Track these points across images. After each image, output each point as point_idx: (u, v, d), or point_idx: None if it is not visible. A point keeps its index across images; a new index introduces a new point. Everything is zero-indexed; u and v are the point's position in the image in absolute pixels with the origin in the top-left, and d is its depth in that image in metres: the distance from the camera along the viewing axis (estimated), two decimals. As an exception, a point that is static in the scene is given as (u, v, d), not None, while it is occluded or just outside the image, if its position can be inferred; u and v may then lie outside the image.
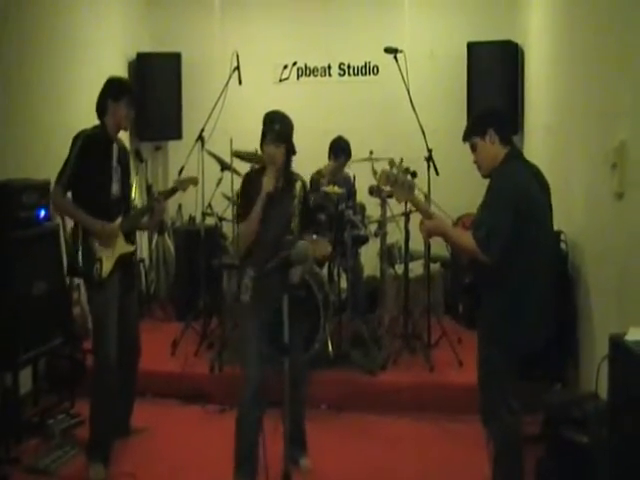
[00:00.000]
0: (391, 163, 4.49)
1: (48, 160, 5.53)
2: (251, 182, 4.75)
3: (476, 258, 4.02)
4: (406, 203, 5.94)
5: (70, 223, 5.17)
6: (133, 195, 6.44)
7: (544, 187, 4.23)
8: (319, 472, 5.09)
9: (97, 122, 5.15)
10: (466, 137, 4.34)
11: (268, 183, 4.65)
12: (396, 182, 4.39)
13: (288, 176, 4.82)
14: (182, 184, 5.41)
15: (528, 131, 7.94)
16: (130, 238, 5.25)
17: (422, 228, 4.34)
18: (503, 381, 4.20)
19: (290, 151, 4.74)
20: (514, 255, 3.98)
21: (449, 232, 4.25)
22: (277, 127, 4.63)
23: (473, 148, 4.30)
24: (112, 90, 5.10)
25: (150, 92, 8.42)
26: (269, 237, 4.66)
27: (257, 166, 5.02)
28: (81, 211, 4.98)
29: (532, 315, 4.08)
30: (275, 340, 4.45)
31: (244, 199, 4.74)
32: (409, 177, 4.49)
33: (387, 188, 4.55)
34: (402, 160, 6.57)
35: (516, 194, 4.03)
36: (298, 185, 4.86)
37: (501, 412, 4.18)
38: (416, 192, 4.50)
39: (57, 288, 5.79)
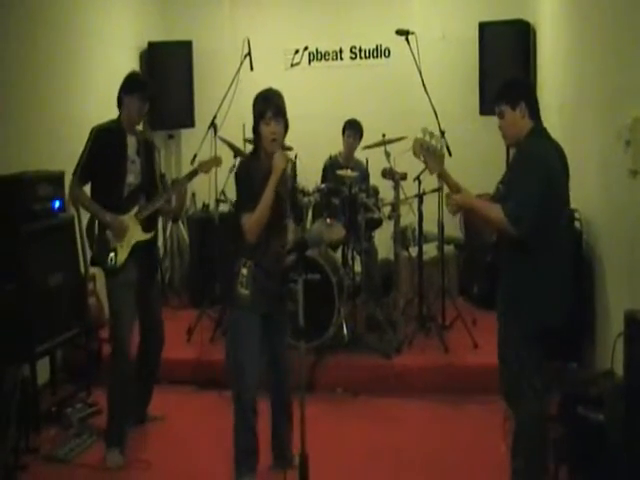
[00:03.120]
0: (424, 131, 4.33)
1: (61, 151, 5.55)
2: (249, 170, 4.45)
3: (504, 231, 4.01)
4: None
5: (87, 214, 5.20)
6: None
7: (564, 165, 4.21)
8: (335, 456, 5.07)
9: (111, 111, 5.20)
10: (496, 103, 4.28)
11: (279, 160, 4.35)
12: (429, 151, 4.24)
13: None
14: (204, 166, 5.32)
15: (541, 109, 7.81)
16: (149, 226, 5.24)
17: (450, 202, 4.22)
18: (525, 358, 4.14)
19: (286, 129, 4.51)
20: (540, 229, 3.98)
21: (478, 205, 4.17)
22: (276, 103, 4.41)
23: (500, 115, 4.25)
24: (126, 84, 5.14)
25: (162, 81, 8.37)
26: (269, 225, 4.41)
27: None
28: (93, 203, 5.07)
29: (554, 290, 4.09)
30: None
31: (248, 188, 4.38)
32: (439, 147, 4.35)
33: (420, 158, 4.38)
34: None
35: (543, 168, 4.02)
36: (289, 166, 4.57)
37: (524, 391, 4.16)
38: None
39: (73, 279, 5.80)
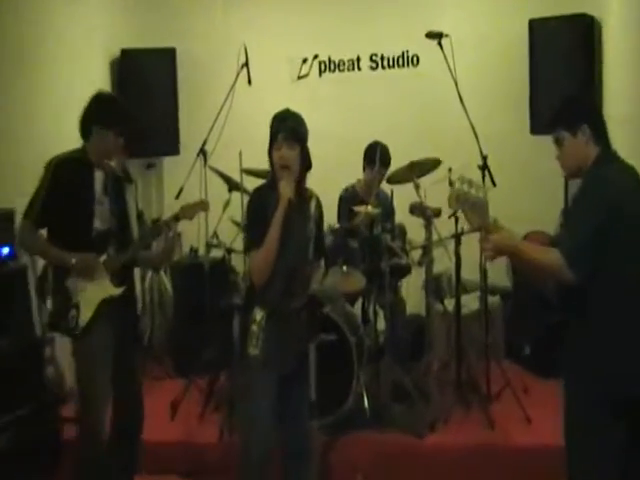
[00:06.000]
0: (461, 180, 4.25)
1: (14, 183, 5.54)
2: (263, 200, 4.67)
3: (560, 278, 3.97)
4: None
5: (42, 263, 5.20)
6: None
7: None
8: None
9: (73, 134, 5.22)
10: (552, 128, 4.31)
11: (286, 188, 4.56)
12: (468, 202, 4.16)
13: (301, 192, 4.76)
14: (187, 211, 5.32)
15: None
16: (122, 278, 5.24)
17: (485, 245, 4.12)
18: (601, 440, 4.05)
19: (305, 159, 4.68)
20: (610, 276, 3.97)
21: (523, 247, 4.11)
22: (290, 124, 4.61)
23: (558, 142, 4.28)
24: (101, 114, 5.15)
25: (139, 97, 8.37)
26: (282, 267, 4.58)
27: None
28: (51, 247, 5.07)
29: (636, 350, 4.02)
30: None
31: (258, 221, 4.62)
32: (481, 195, 4.29)
33: (458, 212, 4.36)
34: (450, 170, 6.59)
35: (613, 203, 3.99)
36: (313, 203, 4.82)
37: None
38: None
39: (25, 343, 5.77)
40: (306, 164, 4.68)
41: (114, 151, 5.22)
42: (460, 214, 6.61)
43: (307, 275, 4.79)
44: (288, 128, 4.57)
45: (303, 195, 4.76)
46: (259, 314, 4.54)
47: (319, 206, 4.87)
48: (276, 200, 4.58)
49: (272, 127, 4.64)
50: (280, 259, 4.56)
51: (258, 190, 4.81)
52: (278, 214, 4.52)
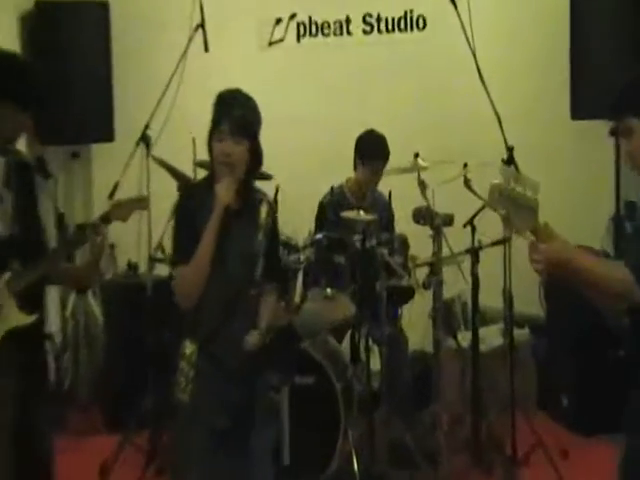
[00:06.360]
0: (504, 172, 4.23)
1: None
2: (196, 202, 4.65)
3: (630, 298, 3.94)
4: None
5: None
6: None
7: None
8: None
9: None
10: (619, 114, 4.25)
11: (222, 190, 4.53)
12: (514, 201, 4.02)
13: (249, 195, 4.75)
14: (120, 209, 5.24)
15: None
16: (31, 303, 5.19)
17: (535, 257, 3.99)
18: None
19: (255, 156, 4.65)
20: None
21: (582, 259, 4.02)
22: (237, 112, 4.55)
23: (627, 132, 4.22)
24: None
25: (59, 65, 8.29)
26: (219, 289, 4.55)
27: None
28: None
29: None
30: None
31: (187, 229, 4.61)
32: (529, 194, 4.20)
33: (501, 212, 4.28)
34: (466, 165, 6.60)
35: None
36: (263, 210, 4.74)
37: None
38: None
39: None
40: (256, 161, 4.66)
41: (16, 131, 5.10)
42: (475, 221, 6.70)
43: (254, 299, 4.72)
44: (235, 117, 4.53)
45: (250, 198, 4.73)
46: (189, 347, 4.51)
47: (272, 212, 4.81)
48: (213, 202, 4.57)
49: (215, 111, 4.60)
50: (216, 278, 4.52)
51: (191, 188, 4.81)
52: (212, 222, 4.49)
